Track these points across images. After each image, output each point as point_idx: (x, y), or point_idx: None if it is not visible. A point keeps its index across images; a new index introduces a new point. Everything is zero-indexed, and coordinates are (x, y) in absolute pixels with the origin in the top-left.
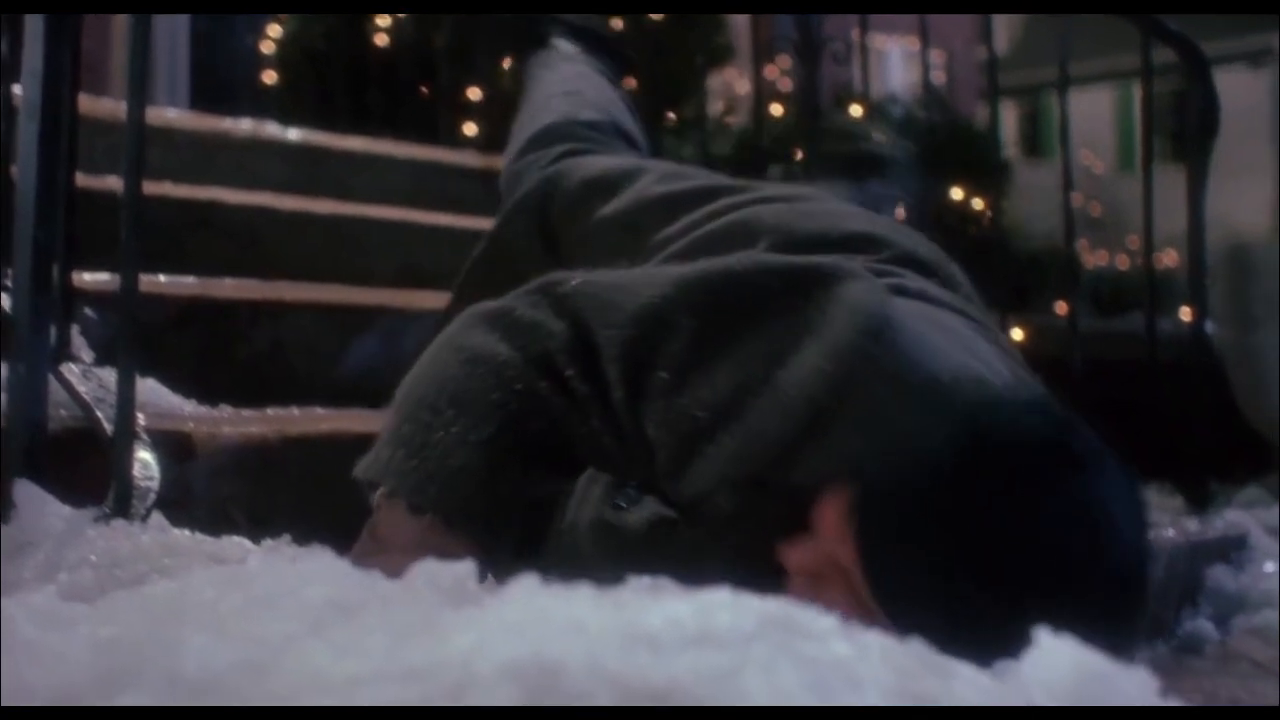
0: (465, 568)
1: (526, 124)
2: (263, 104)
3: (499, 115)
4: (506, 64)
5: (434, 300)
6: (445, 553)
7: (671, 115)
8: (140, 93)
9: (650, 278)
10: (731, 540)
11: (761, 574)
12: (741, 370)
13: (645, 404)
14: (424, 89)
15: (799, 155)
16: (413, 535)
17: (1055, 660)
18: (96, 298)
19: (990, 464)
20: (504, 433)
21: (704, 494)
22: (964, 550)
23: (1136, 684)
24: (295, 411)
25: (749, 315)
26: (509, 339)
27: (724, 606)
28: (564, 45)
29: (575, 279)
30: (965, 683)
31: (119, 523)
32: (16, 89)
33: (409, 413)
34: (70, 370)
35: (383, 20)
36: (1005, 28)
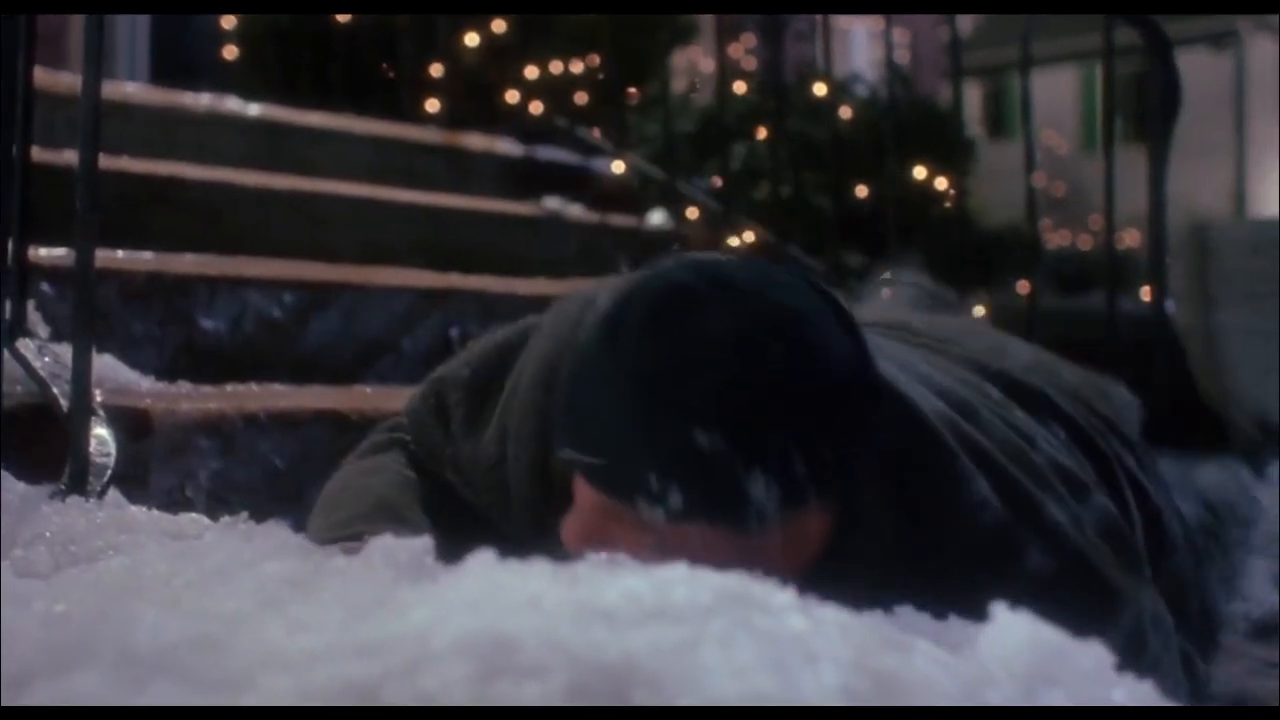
0: (422, 543)
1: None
2: (224, 79)
3: (460, 92)
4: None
5: (395, 276)
6: None
7: (635, 92)
8: (97, 66)
9: None
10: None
11: None
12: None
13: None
14: (386, 65)
15: (762, 133)
16: None
17: (1011, 636)
18: (52, 273)
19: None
20: (401, 472)
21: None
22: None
23: (1092, 658)
24: (254, 388)
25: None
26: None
27: (681, 581)
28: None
29: None
30: (924, 657)
31: (75, 499)
32: None
33: (319, 506)
34: (26, 346)
35: None
36: (969, 14)
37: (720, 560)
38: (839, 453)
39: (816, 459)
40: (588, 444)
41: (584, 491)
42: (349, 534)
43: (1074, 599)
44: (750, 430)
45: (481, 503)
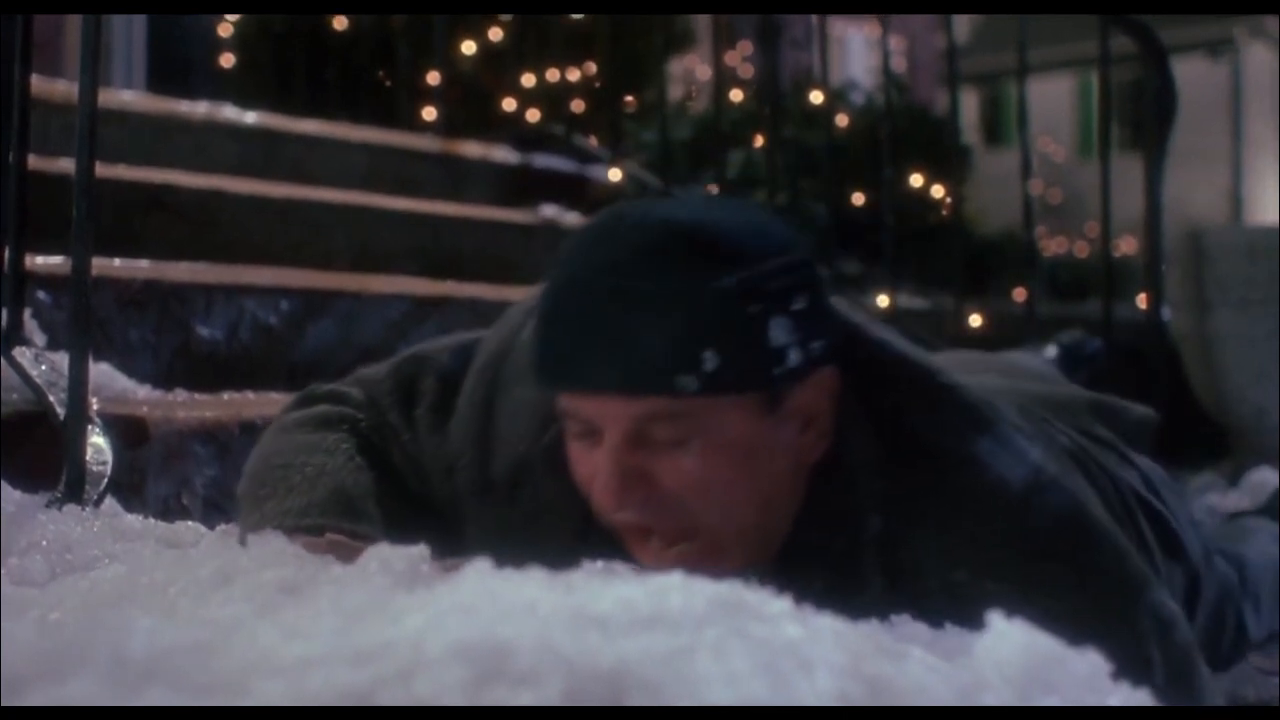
0: (419, 551)
1: None
2: (220, 86)
3: (457, 99)
4: None
5: (390, 284)
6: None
7: (631, 100)
8: (93, 73)
9: None
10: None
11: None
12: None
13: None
14: (383, 72)
15: (758, 141)
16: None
17: (1007, 642)
18: (49, 280)
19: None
20: (353, 458)
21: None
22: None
23: (1088, 666)
24: (251, 395)
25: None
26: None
27: (675, 589)
28: None
29: None
30: (918, 664)
31: (71, 507)
32: None
33: (262, 478)
34: (23, 354)
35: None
36: (966, 14)
37: (751, 449)
38: (821, 314)
39: (812, 311)
40: (603, 353)
41: (608, 434)
42: (306, 525)
43: (1045, 516)
44: (758, 278)
45: (431, 493)
